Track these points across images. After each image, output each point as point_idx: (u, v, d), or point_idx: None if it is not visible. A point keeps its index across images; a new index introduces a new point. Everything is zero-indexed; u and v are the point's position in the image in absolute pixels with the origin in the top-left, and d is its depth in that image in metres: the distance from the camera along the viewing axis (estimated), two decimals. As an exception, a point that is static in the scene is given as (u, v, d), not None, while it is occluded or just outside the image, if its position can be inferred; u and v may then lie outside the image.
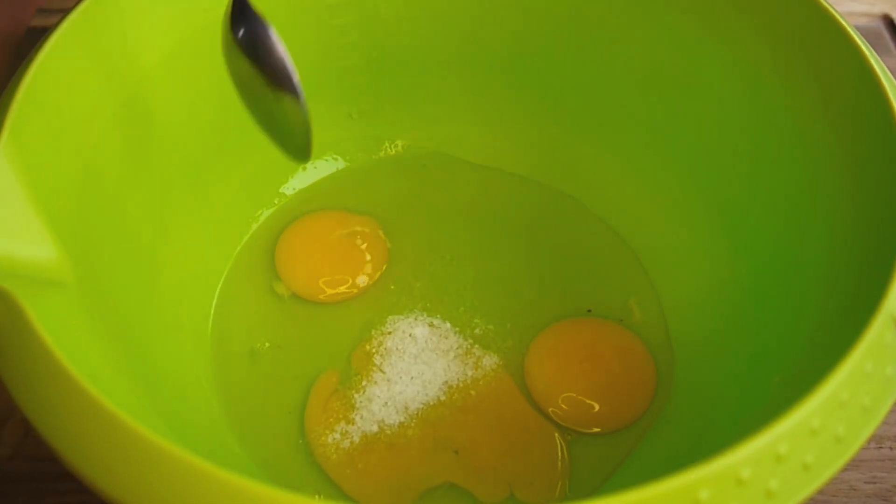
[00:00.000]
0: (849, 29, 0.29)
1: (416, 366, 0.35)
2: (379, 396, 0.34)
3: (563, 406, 0.34)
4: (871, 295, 0.23)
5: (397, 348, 0.35)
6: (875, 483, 0.34)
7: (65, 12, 0.28)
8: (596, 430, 0.34)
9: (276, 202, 0.41)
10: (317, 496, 0.31)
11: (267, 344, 0.36)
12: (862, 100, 0.28)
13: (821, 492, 0.20)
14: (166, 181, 0.34)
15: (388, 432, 0.33)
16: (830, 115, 0.30)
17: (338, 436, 0.33)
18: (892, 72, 0.28)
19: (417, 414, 0.33)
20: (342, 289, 0.38)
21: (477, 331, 0.36)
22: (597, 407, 0.34)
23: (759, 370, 0.29)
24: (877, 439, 0.35)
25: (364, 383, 0.34)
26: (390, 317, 0.37)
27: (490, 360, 0.35)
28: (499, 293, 0.38)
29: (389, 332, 0.36)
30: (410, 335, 0.36)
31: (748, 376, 0.30)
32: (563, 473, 0.32)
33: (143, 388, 0.27)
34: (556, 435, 0.33)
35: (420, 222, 0.41)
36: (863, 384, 0.21)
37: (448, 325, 0.37)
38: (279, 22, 0.36)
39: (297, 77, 0.26)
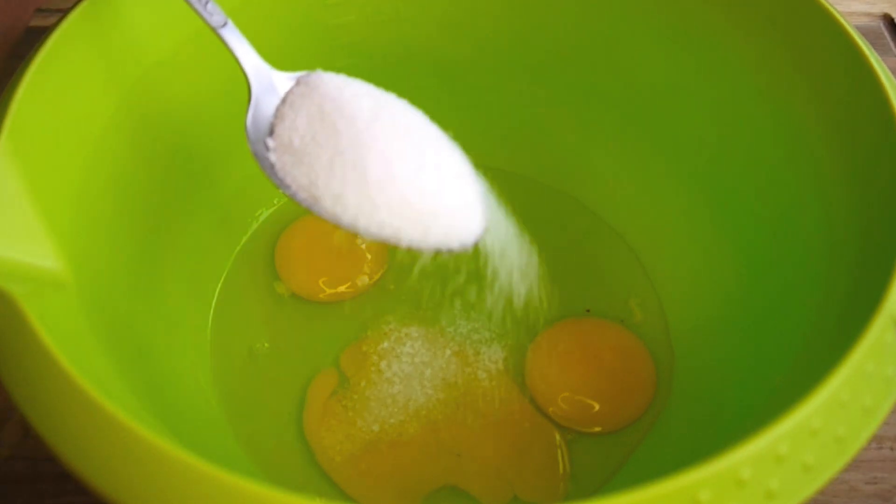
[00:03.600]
0: (849, 29, 0.29)
1: (414, 365, 0.35)
2: (378, 396, 0.34)
3: (564, 406, 0.34)
4: (871, 295, 0.23)
5: (396, 348, 0.35)
6: (875, 483, 0.34)
7: (64, 12, 0.28)
8: (596, 429, 0.34)
9: (275, 202, 0.41)
10: (318, 497, 0.31)
11: (266, 343, 0.36)
12: (862, 99, 0.28)
13: (821, 492, 0.20)
14: (165, 181, 0.34)
15: (390, 431, 0.33)
16: (830, 115, 0.30)
17: (339, 437, 0.33)
18: (892, 72, 0.28)
19: (417, 413, 0.33)
20: (342, 289, 0.38)
21: (476, 330, 0.36)
22: (597, 407, 0.34)
23: (760, 370, 0.29)
24: (877, 440, 0.35)
25: (363, 384, 0.34)
26: (390, 317, 0.37)
27: (490, 360, 0.35)
28: (498, 293, 0.38)
29: (388, 332, 0.36)
30: (409, 335, 0.36)
31: (748, 376, 0.30)
32: (564, 473, 0.32)
33: (142, 389, 0.27)
34: (557, 435, 0.33)
35: (420, 222, 0.41)
36: (863, 384, 0.21)
37: (447, 324, 0.36)
38: (280, 22, 0.36)
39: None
